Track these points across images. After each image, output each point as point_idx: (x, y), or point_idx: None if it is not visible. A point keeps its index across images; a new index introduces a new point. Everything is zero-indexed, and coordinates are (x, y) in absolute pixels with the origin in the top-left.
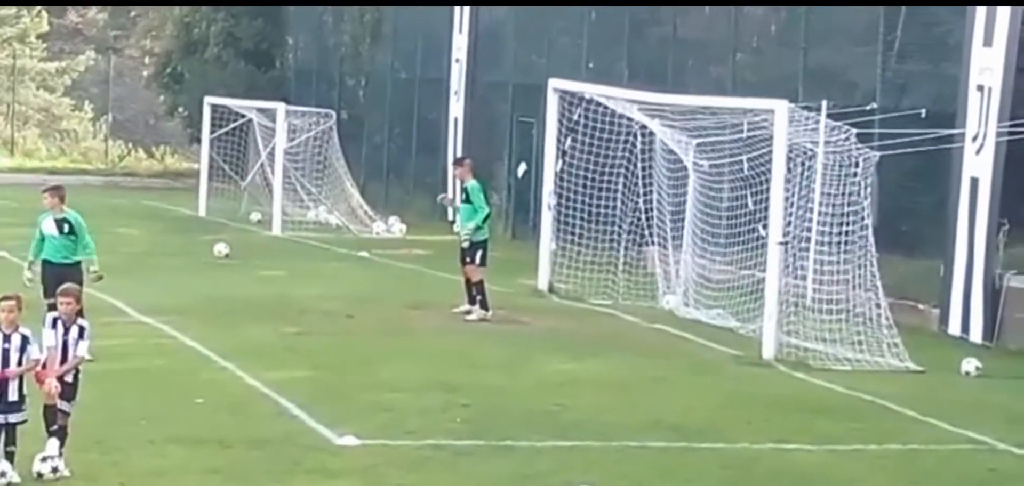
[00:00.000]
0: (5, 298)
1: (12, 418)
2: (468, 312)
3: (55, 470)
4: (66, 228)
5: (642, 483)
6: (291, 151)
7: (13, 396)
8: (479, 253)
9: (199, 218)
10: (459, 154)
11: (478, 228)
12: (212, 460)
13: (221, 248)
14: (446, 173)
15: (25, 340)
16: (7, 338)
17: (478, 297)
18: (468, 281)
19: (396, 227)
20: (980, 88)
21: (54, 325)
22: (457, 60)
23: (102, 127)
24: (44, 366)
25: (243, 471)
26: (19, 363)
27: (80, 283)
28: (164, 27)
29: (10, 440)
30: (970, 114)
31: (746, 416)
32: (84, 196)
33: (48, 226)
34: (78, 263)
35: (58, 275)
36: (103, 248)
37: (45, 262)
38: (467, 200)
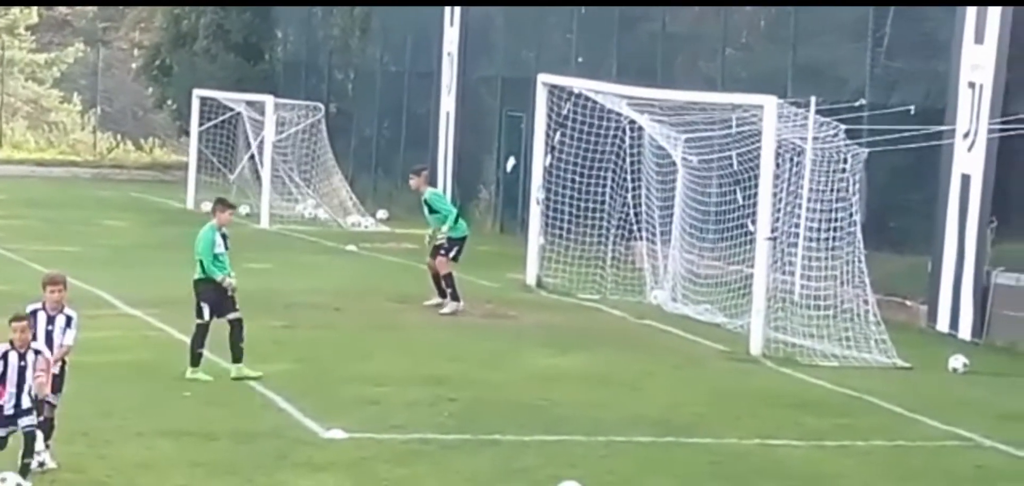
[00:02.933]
0: (52, 280)
1: (24, 422)
2: (439, 305)
3: (42, 463)
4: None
5: (629, 478)
6: (280, 144)
7: (26, 401)
8: (456, 250)
9: (187, 210)
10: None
11: (453, 227)
12: (199, 453)
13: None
14: (437, 167)
15: (69, 321)
16: (51, 320)
17: (448, 289)
18: (436, 275)
19: (367, 221)
20: (971, 85)
21: (32, 317)
22: (448, 54)
23: (91, 119)
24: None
25: (230, 464)
26: (61, 345)
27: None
28: (153, 20)
29: (27, 451)
30: (961, 111)
31: (733, 411)
32: (72, 188)
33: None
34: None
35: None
36: (91, 240)
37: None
38: (431, 210)
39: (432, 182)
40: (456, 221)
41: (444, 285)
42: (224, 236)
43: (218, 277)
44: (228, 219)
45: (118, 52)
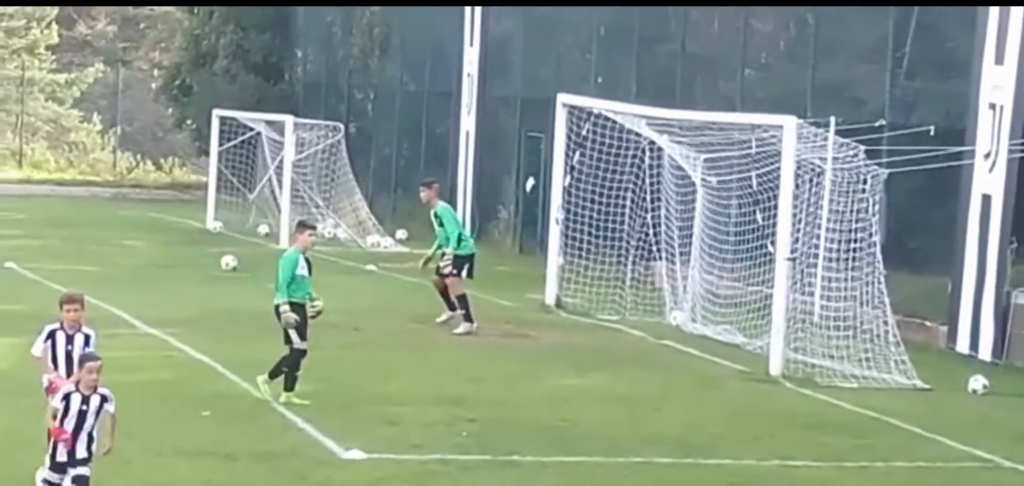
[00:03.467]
0: (70, 299)
1: (75, 472)
2: (449, 320)
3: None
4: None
5: None
6: (299, 164)
7: (82, 450)
8: (466, 267)
9: (206, 231)
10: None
11: (457, 246)
12: (218, 473)
13: (229, 261)
14: (456, 188)
15: (87, 339)
16: (70, 339)
17: (461, 309)
18: (443, 289)
19: (386, 241)
20: (992, 106)
21: (50, 336)
22: (468, 74)
23: (110, 139)
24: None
25: (249, 484)
26: (80, 364)
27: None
28: (173, 40)
29: None
30: (981, 131)
31: (752, 432)
32: (92, 208)
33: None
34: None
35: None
36: (110, 259)
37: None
38: (440, 224)
39: (451, 202)
40: (459, 241)
41: (457, 304)
42: (307, 260)
43: (284, 303)
44: (310, 242)
45: (138, 72)
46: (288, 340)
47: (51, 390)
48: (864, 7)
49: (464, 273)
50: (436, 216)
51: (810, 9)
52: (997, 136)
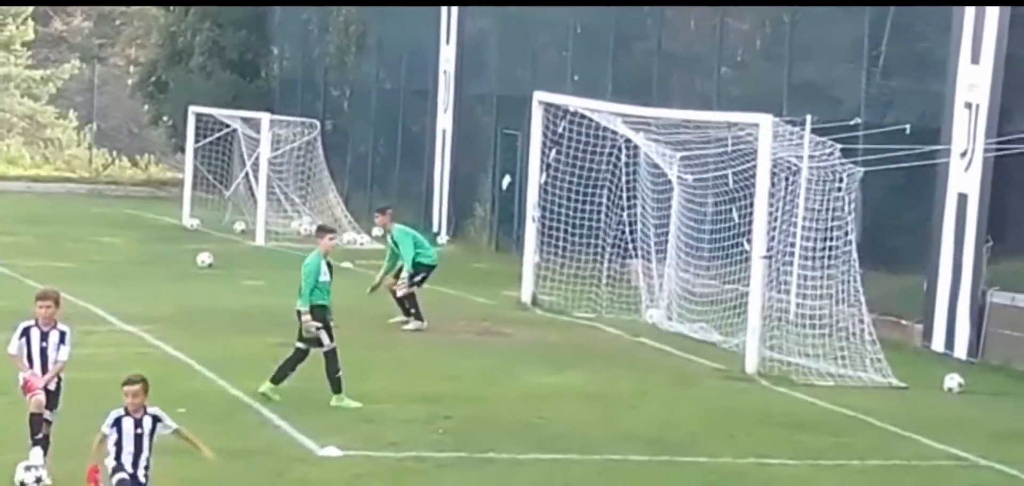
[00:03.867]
0: (44, 295)
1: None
2: (404, 322)
3: (38, 480)
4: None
5: None
6: (275, 161)
7: (142, 474)
8: (421, 276)
9: (182, 227)
10: (382, 201)
11: (416, 262)
12: (194, 470)
13: (204, 258)
14: (432, 185)
15: (63, 336)
16: (45, 336)
17: (412, 309)
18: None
19: (362, 238)
20: (968, 105)
21: (25, 333)
22: (444, 71)
23: (86, 135)
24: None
25: (225, 481)
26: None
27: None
28: (149, 36)
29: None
30: (957, 130)
31: (728, 430)
32: (68, 205)
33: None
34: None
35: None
36: (86, 256)
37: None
38: (396, 246)
39: (427, 200)
40: (415, 260)
41: (407, 305)
42: (329, 264)
43: (305, 310)
44: (331, 245)
45: (114, 69)
46: (301, 340)
47: (27, 388)
48: (839, 7)
49: (416, 279)
50: (393, 241)
51: (786, 8)
52: (973, 135)
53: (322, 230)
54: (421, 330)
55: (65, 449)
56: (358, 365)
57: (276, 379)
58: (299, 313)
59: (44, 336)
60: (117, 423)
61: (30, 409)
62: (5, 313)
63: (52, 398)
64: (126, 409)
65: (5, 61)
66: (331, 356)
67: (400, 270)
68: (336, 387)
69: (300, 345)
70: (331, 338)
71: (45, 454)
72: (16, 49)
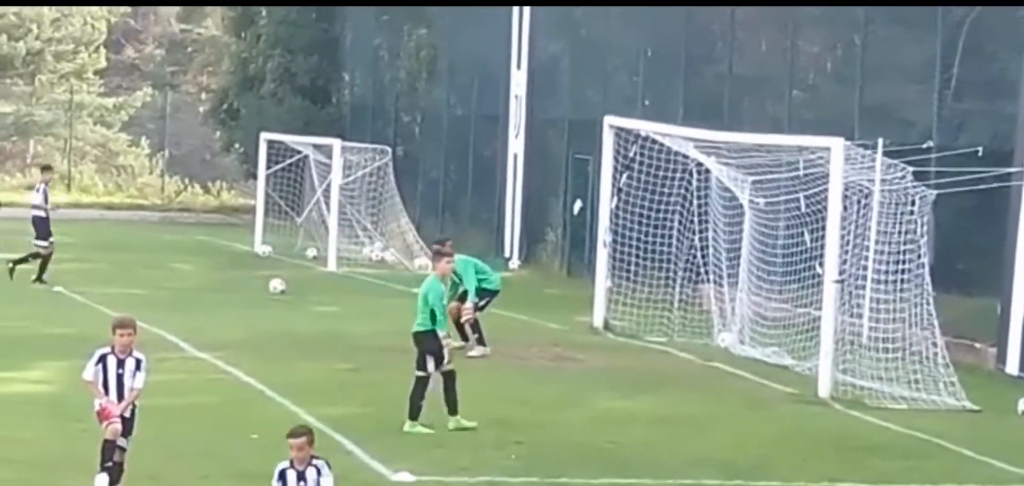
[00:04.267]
0: (123, 324)
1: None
2: (463, 347)
3: None
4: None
5: None
6: (347, 187)
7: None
8: (485, 301)
9: (254, 254)
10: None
11: (479, 288)
12: None
13: (277, 284)
14: (503, 210)
15: (138, 364)
16: (121, 364)
17: (474, 334)
18: (456, 319)
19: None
20: None
21: (101, 360)
22: (516, 96)
23: (158, 163)
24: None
25: None
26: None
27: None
28: (220, 63)
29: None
30: None
31: (801, 454)
32: (140, 232)
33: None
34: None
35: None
36: (158, 283)
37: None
38: (458, 279)
39: (499, 226)
40: (478, 290)
41: (469, 331)
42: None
43: (441, 332)
44: (449, 269)
45: (185, 96)
46: (423, 366)
47: (102, 416)
48: (912, 28)
49: (481, 304)
50: (455, 273)
51: (857, 30)
52: None
53: (440, 253)
54: (486, 355)
55: (139, 477)
56: (430, 390)
57: (413, 415)
58: (422, 334)
59: (120, 363)
60: (282, 477)
61: (105, 436)
62: (79, 339)
63: (126, 425)
64: (291, 462)
65: (78, 89)
66: (423, 383)
67: (464, 295)
68: (414, 414)
69: (447, 368)
70: (437, 366)
71: (118, 482)
72: (89, 77)
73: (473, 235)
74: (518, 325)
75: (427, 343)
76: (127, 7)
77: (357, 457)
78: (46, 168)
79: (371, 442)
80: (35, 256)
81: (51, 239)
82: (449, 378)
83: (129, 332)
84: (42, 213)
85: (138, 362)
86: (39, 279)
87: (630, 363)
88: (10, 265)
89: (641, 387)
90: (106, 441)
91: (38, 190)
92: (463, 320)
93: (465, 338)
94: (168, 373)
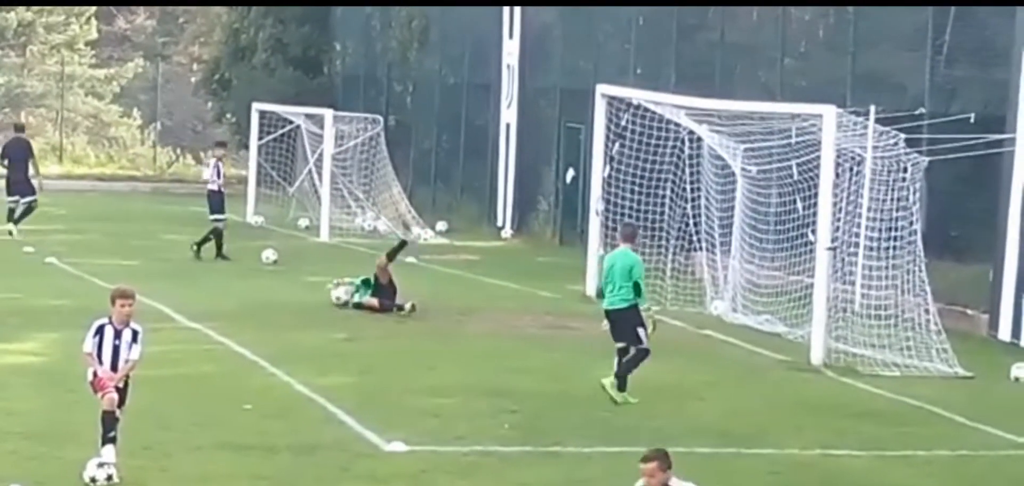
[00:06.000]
0: (123, 294)
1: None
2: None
3: (110, 477)
4: None
5: None
6: (339, 157)
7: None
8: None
9: (247, 224)
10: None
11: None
12: (260, 466)
13: (269, 254)
14: (496, 180)
15: (135, 335)
16: (118, 334)
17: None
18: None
19: (426, 233)
20: None
21: (99, 332)
22: (508, 65)
23: (150, 134)
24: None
25: (291, 477)
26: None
27: None
28: (212, 33)
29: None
30: (1022, 118)
31: (794, 421)
32: (132, 203)
33: None
34: None
35: None
36: (151, 254)
37: None
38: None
39: (491, 195)
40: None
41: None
42: None
43: (643, 306)
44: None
45: (177, 67)
46: (640, 339)
47: (98, 386)
48: None
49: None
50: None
51: None
52: None
53: (630, 226)
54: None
55: (132, 447)
56: (423, 359)
57: (621, 386)
58: (629, 311)
59: (117, 334)
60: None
61: (103, 407)
62: (72, 311)
63: (120, 396)
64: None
65: (69, 60)
66: (645, 355)
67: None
68: (623, 386)
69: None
70: (646, 340)
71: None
72: (80, 48)
73: (465, 204)
74: (511, 294)
75: (636, 317)
76: None
77: (351, 427)
78: (220, 144)
79: (365, 411)
80: (215, 233)
81: (224, 215)
82: (642, 354)
83: (129, 302)
84: (215, 187)
85: (135, 333)
86: (220, 255)
87: None
88: (195, 247)
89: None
90: (105, 412)
91: (210, 166)
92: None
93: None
94: (161, 344)
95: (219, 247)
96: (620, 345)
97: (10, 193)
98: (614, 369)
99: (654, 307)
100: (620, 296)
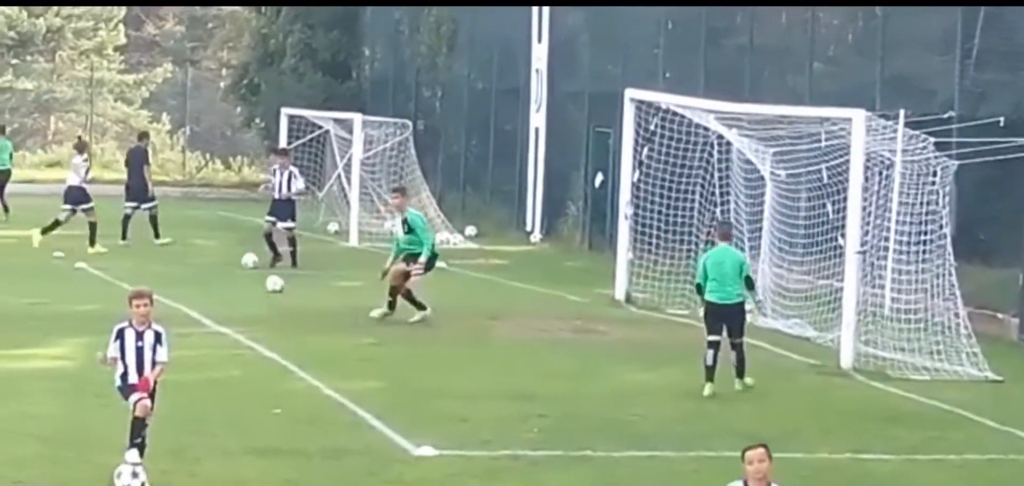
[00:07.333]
0: (139, 294)
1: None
2: (386, 315)
3: (138, 478)
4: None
5: None
6: (368, 162)
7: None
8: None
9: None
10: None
11: (430, 258)
12: (289, 471)
13: (275, 282)
14: (524, 184)
15: (158, 337)
16: (140, 336)
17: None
18: (404, 293)
19: (455, 237)
20: None
21: (120, 335)
22: (537, 70)
23: (179, 139)
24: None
25: (320, 482)
26: (152, 362)
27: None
28: (241, 39)
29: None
30: None
31: (824, 425)
32: (162, 208)
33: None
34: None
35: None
36: (180, 259)
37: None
38: (409, 231)
39: (520, 198)
40: (432, 254)
41: (416, 296)
42: None
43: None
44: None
45: (206, 72)
46: (743, 331)
47: (139, 387)
48: None
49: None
50: (405, 223)
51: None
52: None
53: (726, 224)
54: (427, 318)
55: (158, 451)
56: (452, 364)
57: (740, 374)
58: (740, 307)
59: (139, 336)
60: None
61: (136, 413)
62: (101, 316)
63: (149, 399)
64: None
65: (98, 66)
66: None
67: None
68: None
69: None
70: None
71: (141, 456)
72: (108, 54)
73: (494, 209)
74: (539, 298)
75: (744, 310)
76: None
77: (380, 431)
78: (283, 152)
79: (394, 416)
80: (292, 242)
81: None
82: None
83: (145, 302)
84: (278, 194)
85: (158, 335)
86: (294, 264)
87: (652, 336)
88: (273, 259)
89: (664, 360)
90: (136, 418)
91: (274, 172)
92: (414, 276)
93: (391, 307)
94: (190, 348)
95: (293, 255)
96: (712, 338)
97: (127, 199)
98: (705, 362)
99: (684, 311)
100: (735, 291)
